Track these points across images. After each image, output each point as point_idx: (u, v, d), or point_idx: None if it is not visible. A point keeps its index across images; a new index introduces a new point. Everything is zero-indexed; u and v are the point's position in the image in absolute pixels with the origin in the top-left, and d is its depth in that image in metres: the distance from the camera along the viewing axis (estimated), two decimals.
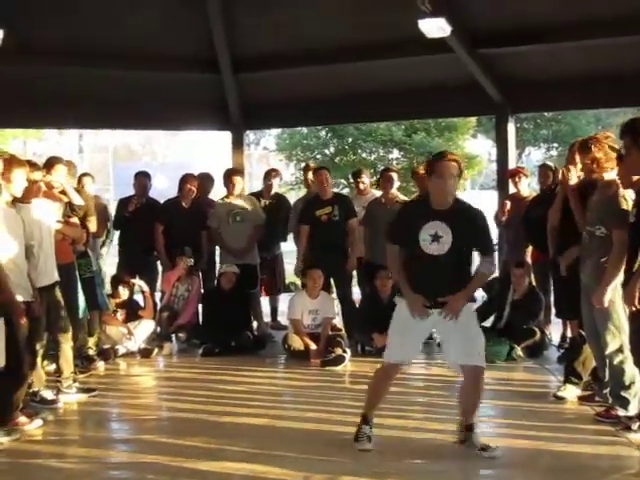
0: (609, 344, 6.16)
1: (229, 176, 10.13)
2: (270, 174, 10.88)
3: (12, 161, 6.42)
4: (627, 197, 5.93)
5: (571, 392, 6.99)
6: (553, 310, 8.95)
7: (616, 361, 6.17)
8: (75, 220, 7.87)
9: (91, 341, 8.74)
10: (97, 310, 8.87)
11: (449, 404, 7.00)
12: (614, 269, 5.95)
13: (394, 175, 10.07)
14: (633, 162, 5.51)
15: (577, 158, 6.74)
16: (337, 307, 9.95)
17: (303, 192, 11.72)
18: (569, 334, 8.46)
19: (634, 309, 5.49)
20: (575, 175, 6.71)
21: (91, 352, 8.67)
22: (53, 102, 11.44)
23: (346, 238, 9.63)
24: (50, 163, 7.81)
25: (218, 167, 11.83)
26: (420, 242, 5.52)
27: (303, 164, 24.87)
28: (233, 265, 9.72)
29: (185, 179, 10.23)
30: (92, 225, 8.92)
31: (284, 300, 10.45)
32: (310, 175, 10.48)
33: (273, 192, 10.83)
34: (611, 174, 6.23)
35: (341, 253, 9.57)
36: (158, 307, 10.02)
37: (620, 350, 6.12)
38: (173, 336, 9.92)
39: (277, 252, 10.83)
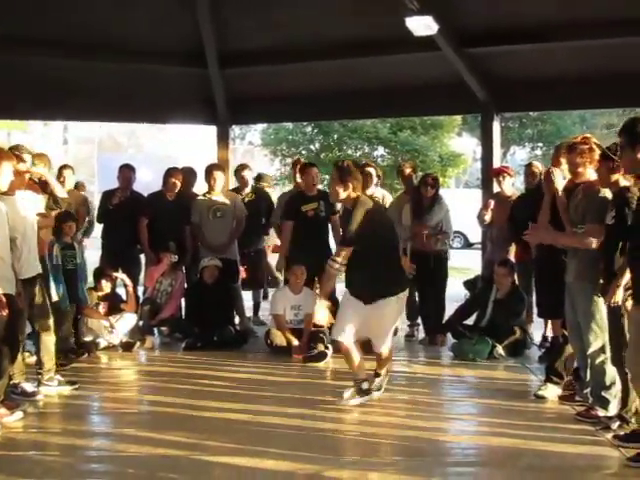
0: (591, 344, 6.20)
1: (210, 171, 10.09)
2: (240, 169, 10.92)
3: (2, 154, 6.37)
4: (607, 194, 5.99)
5: (552, 391, 7.02)
6: (535, 309, 8.99)
7: (597, 361, 6.20)
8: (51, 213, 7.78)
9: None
10: (75, 303, 8.81)
11: (432, 401, 7.05)
12: (572, 240, 6.23)
13: (372, 170, 9.95)
14: (625, 161, 5.56)
15: (563, 160, 6.76)
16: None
17: (288, 187, 11.66)
18: (550, 333, 8.50)
19: (612, 304, 5.68)
20: (561, 177, 6.73)
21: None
22: (39, 94, 11.38)
23: (329, 233, 9.65)
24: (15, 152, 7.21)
25: (203, 161, 11.80)
26: None
27: (289, 159, 24.85)
28: (215, 258, 9.71)
29: (169, 173, 10.21)
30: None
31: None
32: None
33: (250, 186, 10.85)
34: (593, 174, 6.29)
35: (326, 248, 9.57)
36: (140, 301, 9.99)
37: (602, 350, 6.15)
38: (155, 330, 9.90)
39: (260, 246, 10.82)
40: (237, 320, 10.15)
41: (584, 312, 6.19)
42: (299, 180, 10.33)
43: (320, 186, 10.65)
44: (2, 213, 6.28)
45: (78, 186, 11.99)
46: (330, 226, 9.62)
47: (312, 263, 9.44)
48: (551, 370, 7.17)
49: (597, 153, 6.26)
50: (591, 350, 6.22)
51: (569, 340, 6.73)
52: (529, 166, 9.57)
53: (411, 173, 10.13)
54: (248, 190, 10.78)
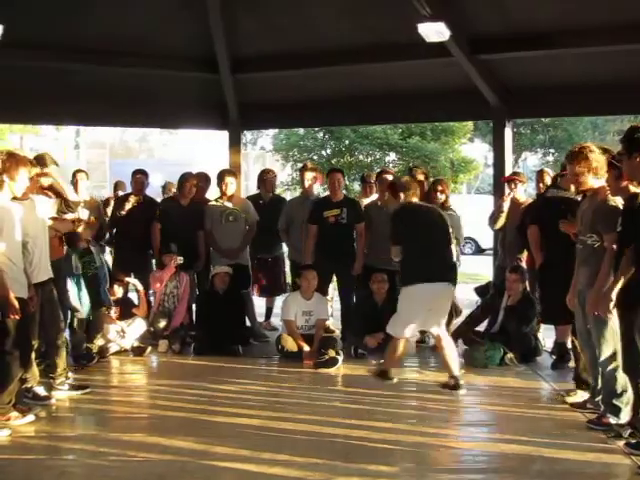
0: (602, 351, 6.18)
1: (222, 177, 10.11)
2: (265, 174, 10.90)
3: (19, 160, 6.42)
4: (617, 202, 5.99)
5: (581, 397, 6.99)
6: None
7: (608, 369, 6.18)
8: (70, 216, 7.84)
9: (97, 338, 8.85)
10: (101, 307, 8.86)
11: (442, 408, 7.03)
12: (606, 274, 5.98)
13: (390, 178, 10.06)
14: (625, 168, 5.58)
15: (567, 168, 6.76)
16: (331, 309, 9.93)
17: (299, 193, 11.64)
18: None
19: (608, 315, 5.65)
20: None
21: (93, 348, 8.76)
22: (51, 98, 11.42)
23: (352, 241, 9.70)
24: (42, 161, 7.49)
25: (214, 166, 11.82)
26: None
27: (300, 164, 24.89)
28: (225, 265, 9.71)
29: (184, 178, 10.20)
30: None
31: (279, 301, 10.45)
32: (307, 175, 10.43)
33: (271, 193, 10.86)
34: (600, 181, 6.27)
35: (346, 255, 9.60)
36: (152, 306, 9.98)
37: (613, 358, 6.13)
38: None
39: (278, 253, 10.76)
40: (248, 325, 10.15)
41: (595, 319, 6.17)
42: (306, 185, 10.33)
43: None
44: (15, 218, 6.30)
45: (119, 185, 12.11)
46: (355, 233, 9.74)
47: (329, 269, 9.48)
48: (578, 378, 7.17)
49: (597, 160, 6.23)
50: (602, 358, 6.20)
51: (580, 347, 6.72)
52: (540, 172, 9.56)
53: (423, 179, 10.12)
54: (271, 195, 10.81)
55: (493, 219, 9.76)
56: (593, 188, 6.31)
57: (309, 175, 10.39)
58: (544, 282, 8.20)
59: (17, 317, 6.10)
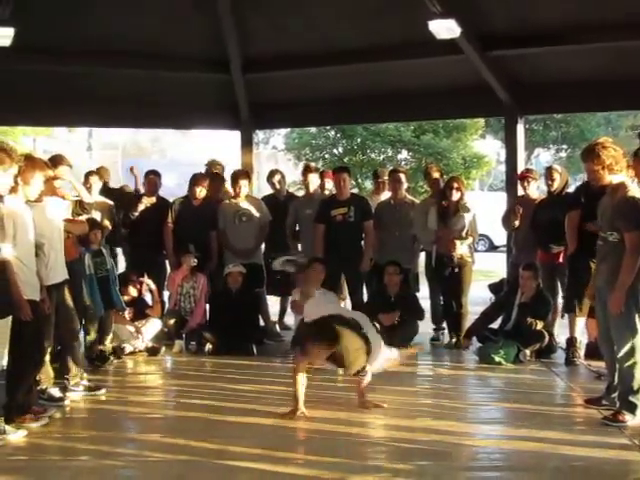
0: (620, 347, 6.14)
1: (236, 178, 10.14)
2: (270, 176, 10.93)
3: (35, 164, 6.43)
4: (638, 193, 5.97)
5: None
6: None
7: (626, 365, 6.13)
8: (84, 217, 7.86)
9: (108, 339, 8.85)
10: (112, 309, 8.88)
11: (457, 406, 7.02)
12: (628, 273, 5.95)
13: (402, 176, 10.10)
14: None
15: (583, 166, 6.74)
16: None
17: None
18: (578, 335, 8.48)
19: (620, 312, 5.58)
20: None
21: (107, 349, 8.78)
22: (64, 100, 11.48)
23: (360, 238, 9.69)
24: (55, 161, 7.56)
25: (227, 165, 11.82)
26: None
27: (313, 163, 24.95)
28: (239, 264, 9.71)
29: (195, 179, 10.22)
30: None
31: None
32: (310, 177, 10.42)
33: (285, 192, 10.84)
34: (619, 177, 6.24)
35: (354, 253, 9.60)
36: (166, 306, 10.00)
37: (630, 354, 6.09)
38: (183, 335, 9.82)
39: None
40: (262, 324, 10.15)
41: (615, 316, 6.13)
42: (311, 189, 10.31)
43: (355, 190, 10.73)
44: (28, 221, 6.30)
45: (123, 187, 12.13)
46: (364, 231, 9.74)
47: (338, 267, 9.46)
48: None
49: (610, 156, 6.20)
50: (620, 354, 6.16)
51: (598, 343, 6.69)
52: (549, 170, 9.51)
53: (438, 177, 10.13)
54: (285, 194, 10.81)
55: (507, 222, 9.73)
56: (612, 184, 6.27)
57: (312, 177, 10.38)
58: (572, 271, 8.18)
59: (29, 319, 6.11)
